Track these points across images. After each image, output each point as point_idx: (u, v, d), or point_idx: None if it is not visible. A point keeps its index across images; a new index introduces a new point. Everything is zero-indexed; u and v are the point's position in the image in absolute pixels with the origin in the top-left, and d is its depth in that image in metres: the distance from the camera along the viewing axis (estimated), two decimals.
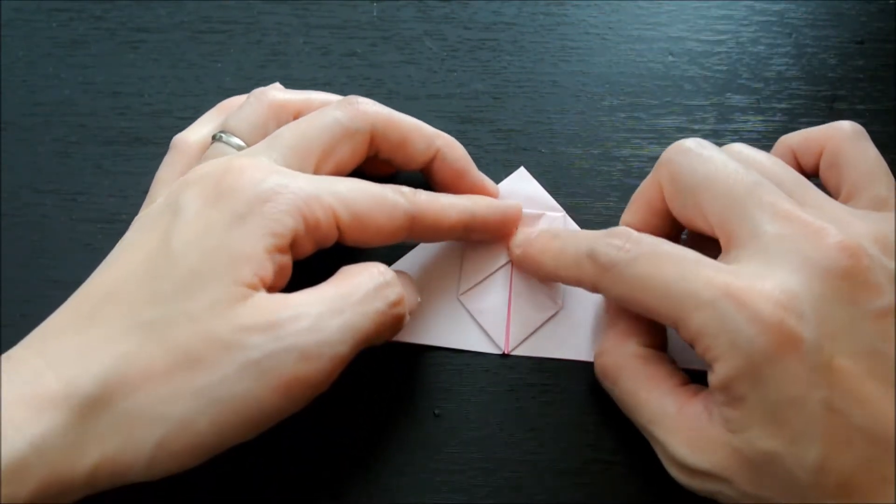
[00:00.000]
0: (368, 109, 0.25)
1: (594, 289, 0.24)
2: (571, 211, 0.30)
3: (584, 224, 0.30)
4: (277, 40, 0.33)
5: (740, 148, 0.25)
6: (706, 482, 0.22)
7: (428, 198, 0.25)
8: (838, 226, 0.21)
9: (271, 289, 0.22)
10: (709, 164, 0.23)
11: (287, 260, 0.22)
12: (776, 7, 0.33)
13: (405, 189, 0.25)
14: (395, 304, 0.23)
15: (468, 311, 0.28)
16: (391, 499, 0.27)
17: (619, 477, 0.27)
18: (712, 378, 0.21)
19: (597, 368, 0.26)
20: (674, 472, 0.23)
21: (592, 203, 0.30)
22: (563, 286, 0.28)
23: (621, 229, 0.24)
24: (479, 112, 0.31)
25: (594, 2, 0.33)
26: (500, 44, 0.32)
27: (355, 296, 0.22)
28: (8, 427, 0.19)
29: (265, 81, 0.32)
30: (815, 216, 0.22)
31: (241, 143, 0.25)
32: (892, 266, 0.21)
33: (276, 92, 0.27)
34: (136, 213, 0.24)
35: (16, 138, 0.32)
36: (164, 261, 0.21)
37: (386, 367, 0.28)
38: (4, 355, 0.21)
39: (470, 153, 0.31)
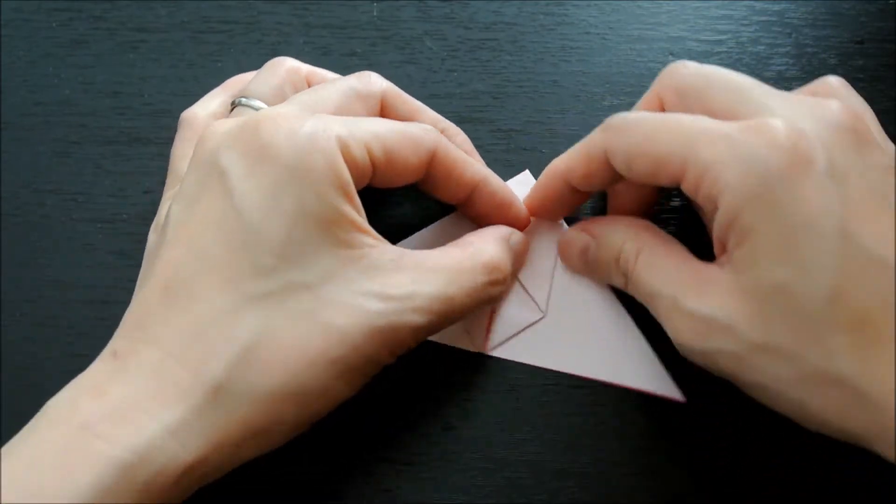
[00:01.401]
0: (380, 81, 0.26)
1: (604, 151, 0.24)
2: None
3: None
4: (277, 40, 0.33)
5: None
6: (709, 337, 0.21)
7: (451, 146, 0.25)
8: (843, 102, 0.22)
9: (359, 210, 0.23)
10: (713, 69, 0.24)
11: (357, 198, 0.23)
12: (776, 7, 0.33)
13: (428, 126, 0.25)
14: (497, 295, 0.25)
15: None
16: (391, 499, 0.27)
17: (619, 477, 0.27)
18: (720, 214, 0.21)
19: (614, 260, 0.25)
20: (677, 329, 0.22)
21: (592, 203, 0.30)
22: (550, 293, 0.28)
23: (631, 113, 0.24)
24: (479, 112, 0.31)
25: (594, 2, 0.33)
26: (500, 44, 0.32)
27: (467, 283, 0.23)
28: (138, 420, 0.19)
29: None
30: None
31: (263, 106, 0.25)
32: (888, 143, 0.22)
33: (290, 60, 0.27)
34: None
35: (16, 138, 0.32)
36: (243, 231, 0.21)
37: (386, 367, 0.28)
38: (108, 351, 0.21)
39: None
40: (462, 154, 0.26)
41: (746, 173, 0.20)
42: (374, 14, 0.33)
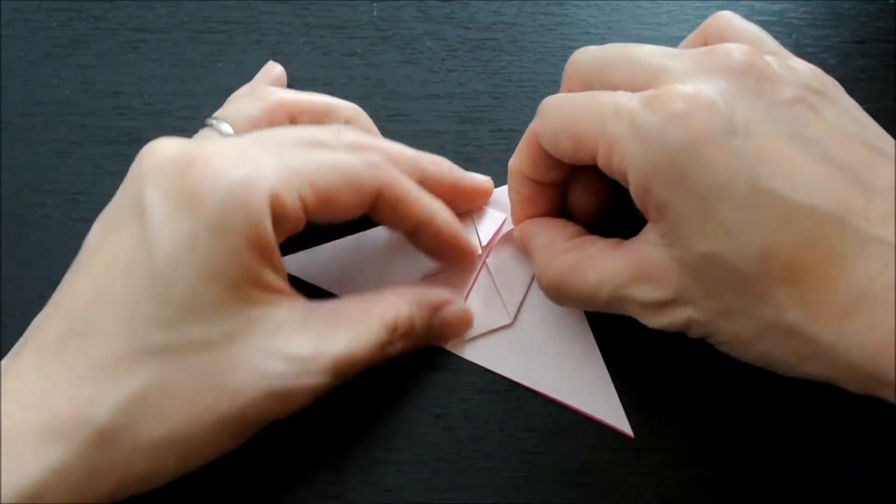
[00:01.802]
0: (381, 168, 0.24)
1: (538, 137, 0.24)
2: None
3: None
4: (277, 40, 0.33)
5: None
6: (675, 313, 0.21)
7: (397, 176, 0.24)
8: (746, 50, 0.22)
9: (276, 268, 0.22)
10: (606, 47, 0.24)
11: (277, 252, 0.22)
12: (776, 7, 0.33)
13: (377, 159, 0.24)
14: (393, 354, 0.25)
15: None
16: (391, 499, 0.27)
17: (619, 477, 0.27)
18: (632, 190, 0.21)
19: (548, 290, 0.25)
20: (648, 319, 0.22)
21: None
22: (523, 303, 0.28)
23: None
24: (479, 112, 0.31)
25: (594, 2, 0.33)
26: (500, 44, 0.32)
27: (367, 344, 0.23)
28: (21, 455, 0.19)
29: None
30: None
31: (230, 131, 0.25)
32: (793, 64, 0.22)
33: (278, 92, 0.27)
34: None
35: (16, 138, 0.32)
36: (151, 277, 0.20)
37: (386, 367, 0.28)
38: (3, 369, 0.20)
39: (470, 153, 0.31)
40: (410, 190, 0.25)
41: (648, 148, 0.20)
42: (374, 14, 0.33)
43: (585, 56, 0.24)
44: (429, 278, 0.29)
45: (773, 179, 0.19)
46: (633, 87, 0.22)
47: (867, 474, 0.26)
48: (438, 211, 0.26)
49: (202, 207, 0.21)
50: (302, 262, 0.29)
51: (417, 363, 0.28)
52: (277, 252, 0.22)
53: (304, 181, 0.22)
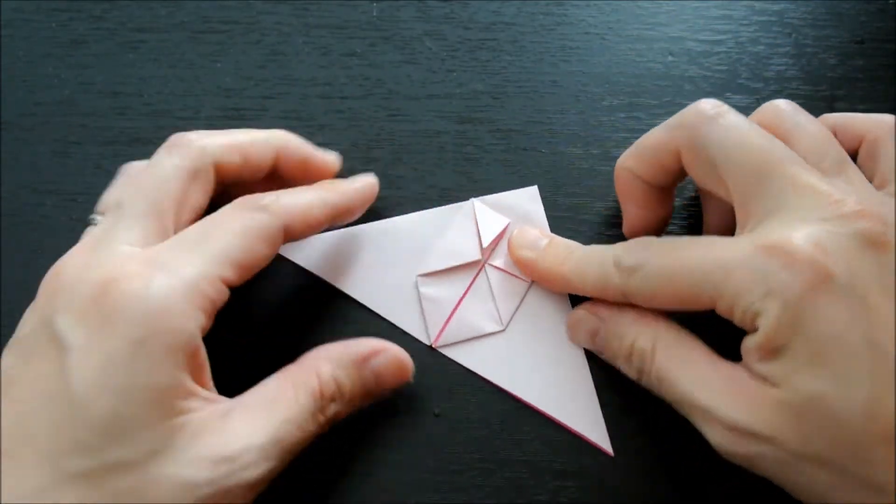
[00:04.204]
0: (205, 144, 0.25)
1: (622, 294, 0.24)
2: (571, 210, 0.30)
3: (583, 224, 0.30)
4: (277, 40, 0.33)
5: (786, 106, 0.25)
6: (751, 444, 0.21)
7: (291, 200, 0.24)
8: (860, 197, 0.22)
9: (199, 370, 0.22)
10: (732, 136, 0.23)
11: (201, 351, 0.22)
12: (776, 7, 0.33)
13: (268, 201, 0.24)
14: (333, 418, 0.24)
15: (417, 292, 0.28)
16: (391, 499, 0.27)
17: (619, 477, 0.27)
18: (756, 337, 0.21)
19: (626, 354, 0.25)
20: (717, 438, 0.22)
21: (592, 203, 0.30)
22: (517, 311, 0.28)
23: (643, 238, 0.24)
24: (479, 112, 0.31)
25: (594, 2, 0.33)
26: (499, 44, 0.32)
27: (296, 420, 0.22)
28: None
29: (265, 81, 0.32)
30: (839, 189, 0.22)
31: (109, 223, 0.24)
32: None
33: (196, 141, 0.25)
34: None
35: (16, 138, 0.32)
36: (69, 405, 0.20)
37: None
38: None
39: (470, 153, 0.31)
40: (308, 198, 0.25)
41: (771, 298, 0.20)
42: (374, 14, 0.33)
43: (716, 132, 0.23)
44: (427, 275, 0.29)
45: (886, 338, 0.20)
46: (746, 207, 0.22)
47: None
48: (279, 132, 0.27)
49: (121, 326, 0.20)
50: (302, 251, 0.29)
51: (418, 362, 0.28)
52: (202, 353, 0.22)
53: (223, 265, 0.22)
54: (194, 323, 0.21)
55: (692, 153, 0.24)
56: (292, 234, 0.24)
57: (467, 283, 0.29)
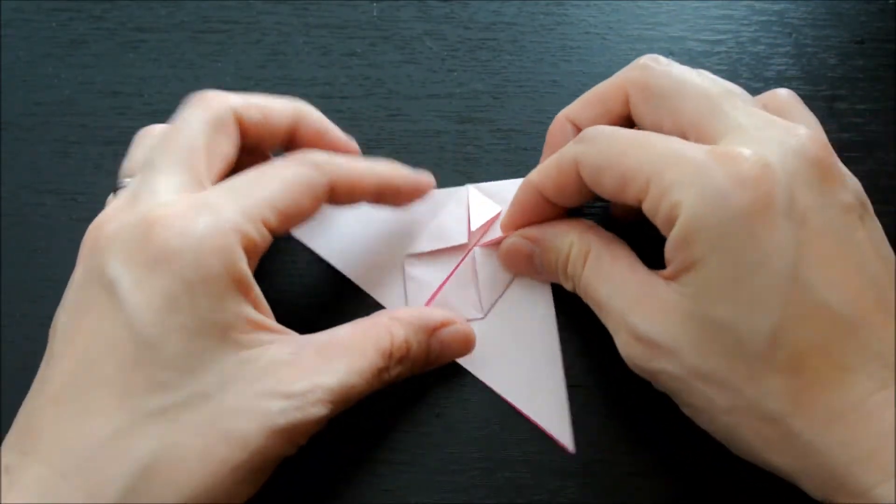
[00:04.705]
0: (224, 99, 0.25)
1: (574, 166, 0.23)
2: (571, 211, 0.30)
3: None
4: (277, 40, 0.33)
5: (787, 95, 0.25)
6: (654, 356, 0.22)
7: (345, 164, 0.25)
8: (813, 130, 0.22)
9: (258, 305, 0.22)
10: (683, 72, 0.24)
11: (255, 286, 0.22)
12: (776, 7, 0.33)
13: (319, 159, 0.24)
14: (395, 378, 0.24)
15: (403, 272, 0.29)
16: (391, 499, 0.27)
17: (619, 477, 0.27)
18: (675, 233, 0.21)
19: (563, 266, 0.25)
20: (626, 348, 0.23)
21: (593, 203, 0.30)
22: (498, 301, 0.28)
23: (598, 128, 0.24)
24: (479, 112, 0.31)
25: (594, 1, 0.33)
26: (500, 44, 0.32)
27: (364, 372, 0.23)
28: None
29: (265, 81, 0.32)
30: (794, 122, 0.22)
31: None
32: (848, 172, 0.22)
33: (217, 98, 0.25)
34: None
35: (16, 138, 0.32)
36: (137, 347, 0.20)
37: None
38: (3, 467, 0.20)
39: (470, 153, 0.31)
40: (362, 168, 0.25)
41: (706, 203, 0.20)
42: (374, 14, 0.33)
43: (660, 68, 0.24)
44: (415, 256, 0.28)
45: (811, 273, 0.20)
46: (698, 127, 0.22)
47: None
48: (300, 101, 0.27)
49: (173, 266, 0.20)
50: (305, 230, 0.29)
51: None
52: (256, 287, 0.22)
53: (265, 207, 0.22)
54: (242, 260, 0.21)
55: (644, 91, 0.24)
56: (338, 196, 0.24)
57: (453, 266, 0.29)
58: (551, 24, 0.33)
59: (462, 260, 0.29)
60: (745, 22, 0.32)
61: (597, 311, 0.24)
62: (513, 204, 0.27)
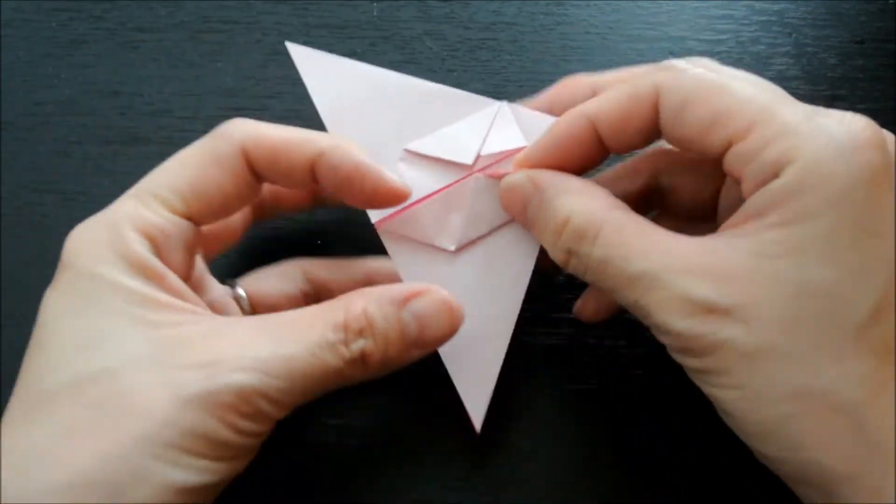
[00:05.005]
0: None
1: (659, 93, 0.21)
2: None
3: None
4: (277, 40, 0.33)
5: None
6: (717, 326, 0.18)
7: (265, 128, 0.23)
8: None
9: (171, 288, 0.22)
10: (723, 70, 0.21)
11: (159, 266, 0.22)
12: (776, 7, 0.33)
13: (228, 126, 0.23)
14: (364, 356, 0.21)
15: (395, 164, 0.25)
16: (392, 498, 0.27)
17: (619, 477, 0.27)
18: (783, 182, 0.18)
19: (556, 229, 0.22)
20: (676, 319, 0.19)
21: None
22: (477, 242, 0.25)
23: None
24: None
25: (594, 2, 0.33)
26: (500, 44, 0.32)
27: (309, 344, 0.21)
28: None
29: (265, 81, 0.32)
30: None
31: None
32: None
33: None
34: None
35: (16, 138, 0.32)
36: (37, 333, 0.21)
37: None
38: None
39: None
40: (273, 135, 0.23)
41: (831, 154, 0.18)
42: (374, 14, 0.33)
43: (702, 68, 0.21)
44: (413, 154, 0.26)
45: None
46: (754, 129, 0.19)
47: None
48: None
49: (74, 263, 0.22)
50: (317, 69, 0.27)
51: (417, 362, 0.28)
52: (166, 271, 0.22)
53: (160, 189, 0.22)
54: (137, 243, 0.21)
55: (681, 92, 0.21)
56: (258, 165, 0.23)
57: (447, 182, 0.25)
58: (551, 24, 0.33)
59: (459, 181, 0.25)
60: (746, 22, 0.32)
61: (622, 291, 0.20)
62: (545, 136, 0.23)
